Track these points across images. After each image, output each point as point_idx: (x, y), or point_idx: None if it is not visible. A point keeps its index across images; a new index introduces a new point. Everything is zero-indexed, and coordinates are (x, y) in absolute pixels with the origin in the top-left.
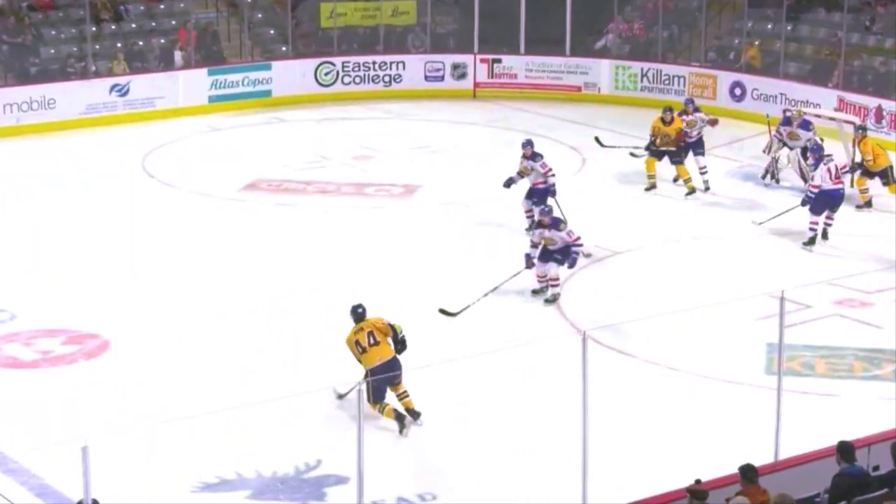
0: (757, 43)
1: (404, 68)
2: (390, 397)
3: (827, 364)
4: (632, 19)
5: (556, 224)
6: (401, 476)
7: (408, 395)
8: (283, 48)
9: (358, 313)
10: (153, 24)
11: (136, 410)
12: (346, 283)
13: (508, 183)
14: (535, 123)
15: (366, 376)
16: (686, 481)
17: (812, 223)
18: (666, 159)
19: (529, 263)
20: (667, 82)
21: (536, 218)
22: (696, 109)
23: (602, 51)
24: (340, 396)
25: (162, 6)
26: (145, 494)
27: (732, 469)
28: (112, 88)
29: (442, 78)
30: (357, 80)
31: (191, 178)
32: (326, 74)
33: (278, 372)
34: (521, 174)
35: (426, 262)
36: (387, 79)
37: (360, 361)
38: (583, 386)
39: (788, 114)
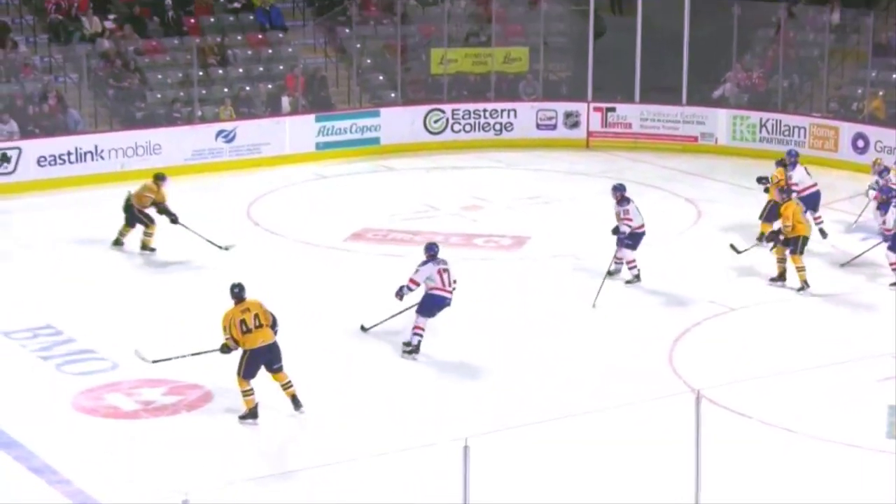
0: (881, 93)
1: (516, 116)
2: (274, 386)
3: None
4: (751, 68)
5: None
6: None
7: (291, 385)
8: (392, 95)
9: (235, 293)
10: (260, 69)
11: (237, 464)
12: (453, 337)
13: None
14: (651, 174)
15: (243, 356)
16: None
17: (893, 264)
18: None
19: None
20: (787, 133)
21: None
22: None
23: (720, 100)
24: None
25: (270, 51)
26: None
27: None
28: (218, 134)
29: (554, 126)
30: (467, 128)
31: (296, 227)
32: (436, 122)
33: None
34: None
35: (535, 316)
36: (497, 127)
37: (237, 341)
38: (696, 447)
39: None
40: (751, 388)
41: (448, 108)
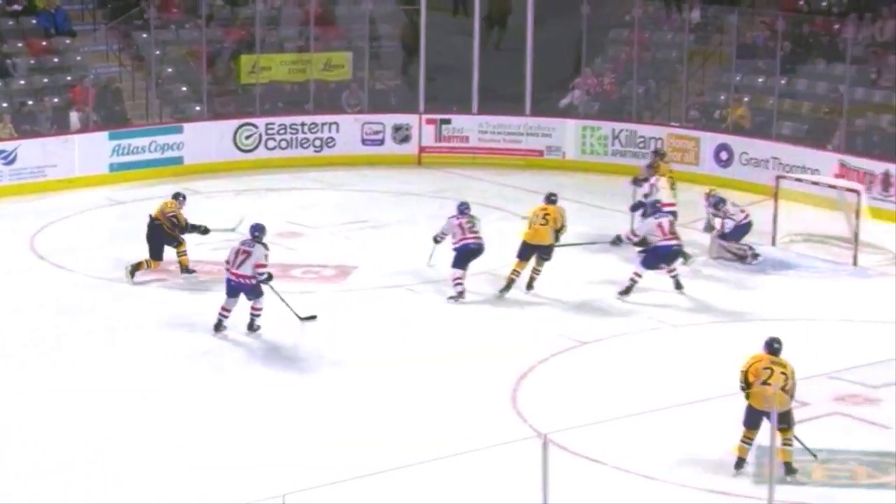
0: (746, 100)
1: (338, 130)
2: None
3: (825, 470)
4: (602, 73)
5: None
6: None
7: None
8: (197, 108)
9: None
10: (45, 80)
11: None
12: (265, 380)
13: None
14: (490, 193)
15: None
16: None
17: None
18: None
19: None
20: (642, 145)
21: None
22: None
23: (567, 109)
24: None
25: (56, 59)
26: None
27: None
28: None
29: (382, 141)
30: (283, 144)
31: (87, 261)
32: (247, 138)
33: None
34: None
35: (360, 354)
36: (318, 143)
37: None
38: (543, 497)
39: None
40: (604, 431)
41: (261, 122)
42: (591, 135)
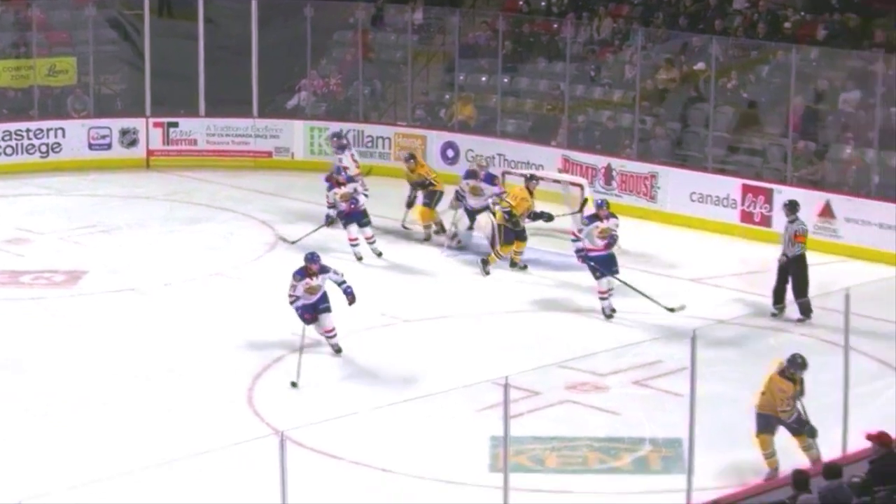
0: (470, 97)
1: (64, 136)
2: None
3: (558, 457)
4: (327, 74)
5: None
6: None
7: None
8: None
9: None
10: None
11: None
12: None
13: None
14: (221, 195)
15: None
16: None
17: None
18: None
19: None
20: (370, 144)
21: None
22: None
23: (294, 111)
24: None
25: None
26: None
27: None
28: None
29: (109, 146)
30: (8, 150)
31: None
32: None
33: None
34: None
35: (92, 360)
36: (44, 148)
37: None
38: (282, 496)
39: (473, 166)
40: (339, 427)
41: None
42: (319, 135)
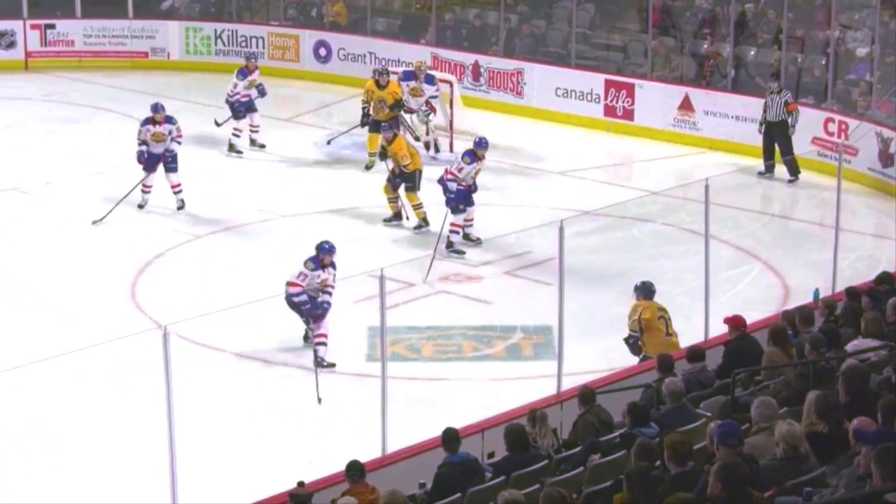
0: None
1: None
2: None
3: (434, 346)
4: None
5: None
6: None
7: None
8: None
9: None
10: None
11: None
12: None
13: (140, 157)
14: (99, 95)
15: None
16: (288, 484)
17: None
18: None
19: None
20: (244, 44)
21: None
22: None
23: (170, 12)
24: None
25: None
26: None
27: (338, 467)
28: None
29: None
30: None
31: None
32: None
33: None
34: (154, 141)
35: None
36: None
37: None
38: (166, 386)
39: (410, 67)
40: (221, 320)
41: None
42: (195, 35)
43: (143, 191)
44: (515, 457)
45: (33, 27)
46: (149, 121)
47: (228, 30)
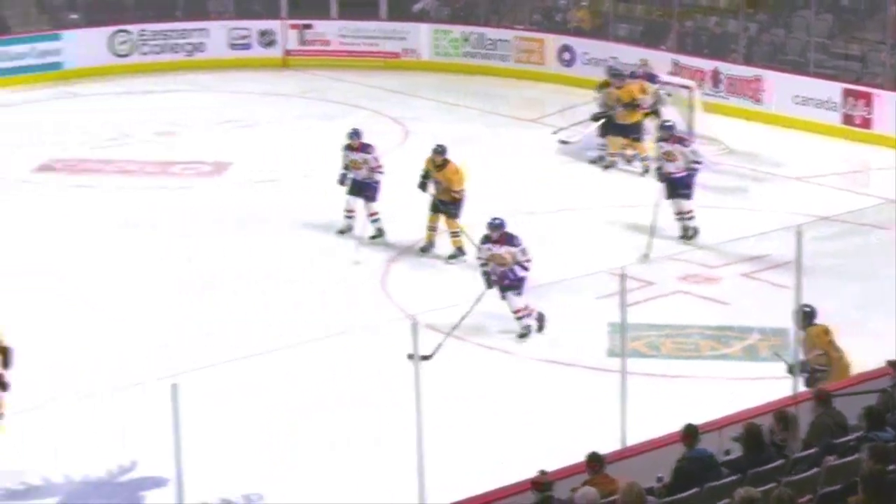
0: (585, 3)
1: (207, 36)
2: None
3: (673, 344)
4: None
5: (511, 241)
6: (225, 475)
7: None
8: (74, 16)
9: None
10: None
11: None
12: (151, 270)
13: (342, 179)
14: (353, 93)
15: None
16: (529, 473)
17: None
18: None
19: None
20: (491, 47)
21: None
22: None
23: (420, 14)
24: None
25: None
26: None
27: (578, 458)
28: None
29: (249, 46)
30: (157, 49)
31: None
32: (122, 44)
33: (81, 368)
34: (352, 168)
35: (237, 244)
36: (188, 48)
37: None
38: (415, 375)
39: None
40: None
41: (134, 28)
42: (444, 38)
43: (346, 216)
44: (751, 456)
45: (292, 27)
46: (348, 146)
47: (476, 33)
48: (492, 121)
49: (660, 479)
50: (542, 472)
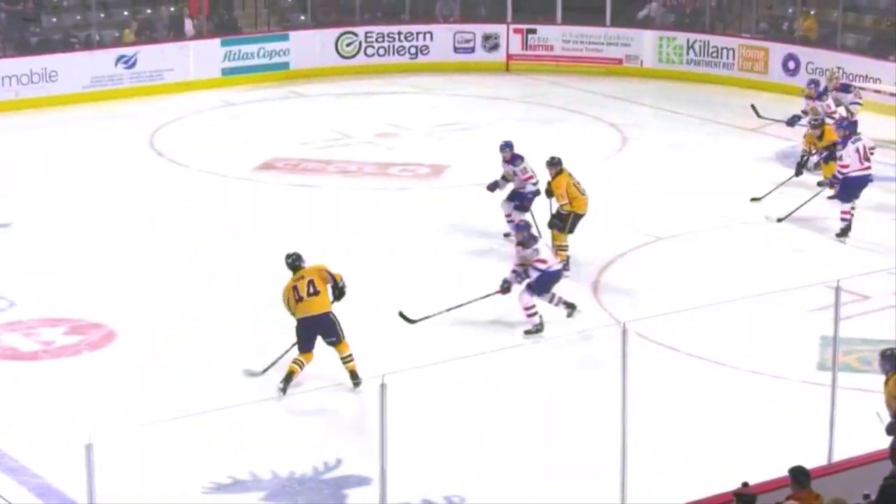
0: (813, 12)
1: (432, 39)
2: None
3: None
4: None
5: (527, 241)
6: (427, 476)
7: (352, 360)
8: (302, 17)
9: (289, 263)
10: None
11: (143, 405)
12: (369, 270)
13: (493, 187)
14: (573, 98)
15: (297, 327)
16: (733, 484)
17: (843, 212)
18: None
19: (504, 288)
20: (715, 55)
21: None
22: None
23: (645, 21)
24: (257, 373)
25: None
26: (153, 496)
27: (783, 472)
28: (118, 60)
29: (472, 49)
30: (381, 51)
31: (202, 157)
32: (348, 46)
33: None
34: (506, 179)
35: (453, 247)
36: (413, 50)
37: (292, 312)
38: (622, 381)
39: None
40: (678, 321)
41: (361, 30)
42: (668, 45)
43: (506, 221)
44: None
45: (516, 31)
46: (502, 158)
47: (700, 40)
48: (711, 129)
49: (866, 497)
50: (745, 484)
